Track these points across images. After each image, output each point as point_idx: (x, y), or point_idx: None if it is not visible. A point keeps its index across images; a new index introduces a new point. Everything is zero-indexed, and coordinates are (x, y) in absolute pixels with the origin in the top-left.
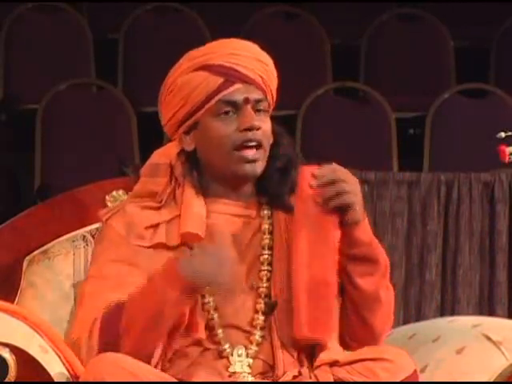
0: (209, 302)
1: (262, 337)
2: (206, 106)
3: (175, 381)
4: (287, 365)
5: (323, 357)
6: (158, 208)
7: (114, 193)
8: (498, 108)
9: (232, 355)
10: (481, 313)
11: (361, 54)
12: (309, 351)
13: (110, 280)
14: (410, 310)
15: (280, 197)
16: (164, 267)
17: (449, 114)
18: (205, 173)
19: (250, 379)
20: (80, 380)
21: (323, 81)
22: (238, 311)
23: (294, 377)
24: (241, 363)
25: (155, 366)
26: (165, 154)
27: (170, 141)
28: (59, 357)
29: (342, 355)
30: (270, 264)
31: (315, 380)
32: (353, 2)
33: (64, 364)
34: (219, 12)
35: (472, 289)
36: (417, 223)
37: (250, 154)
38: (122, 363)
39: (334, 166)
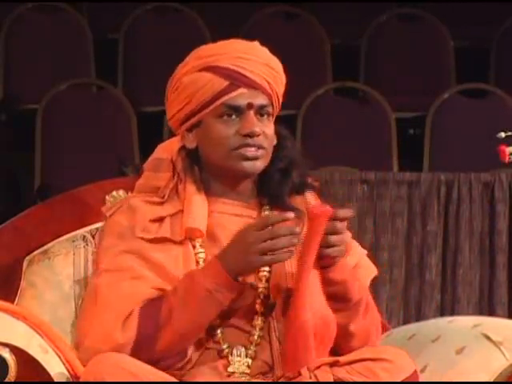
0: None
1: (261, 337)
2: (210, 108)
3: (175, 381)
4: None
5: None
6: (161, 203)
7: (114, 193)
8: (498, 108)
9: (231, 355)
10: (481, 313)
11: (361, 54)
12: None
13: (127, 272)
14: (410, 310)
15: (280, 197)
16: (206, 270)
17: (449, 114)
18: (205, 170)
19: (247, 379)
20: (80, 380)
21: (323, 81)
22: (238, 311)
23: (294, 377)
24: (240, 363)
25: (187, 363)
26: (168, 149)
27: (173, 135)
28: (59, 357)
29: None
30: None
31: (315, 380)
32: (353, 1)
33: (64, 364)
34: (219, 12)
35: (472, 289)
36: (417, 223)
37: (250, 152)
38: (122, 363)
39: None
